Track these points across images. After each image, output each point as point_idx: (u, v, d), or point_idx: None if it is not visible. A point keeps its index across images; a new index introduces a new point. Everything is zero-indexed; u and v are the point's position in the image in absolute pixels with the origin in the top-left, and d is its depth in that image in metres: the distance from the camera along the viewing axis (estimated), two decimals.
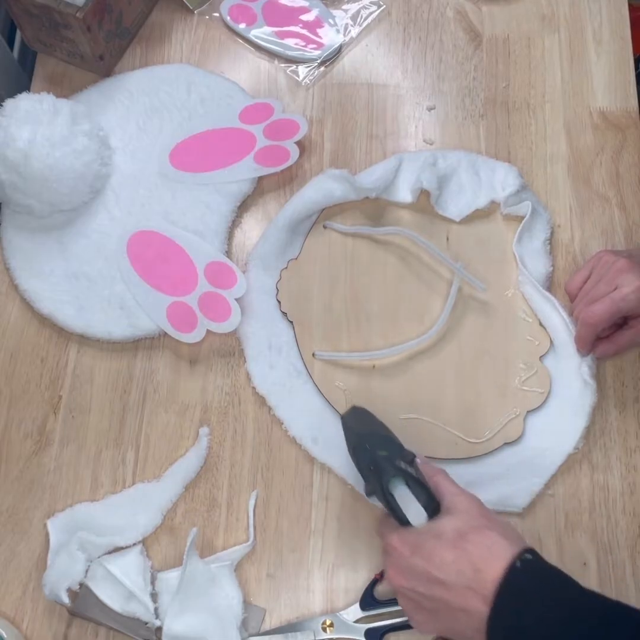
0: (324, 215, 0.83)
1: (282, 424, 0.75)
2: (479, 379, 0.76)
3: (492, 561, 0.55)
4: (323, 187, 0.81)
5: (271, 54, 0.92)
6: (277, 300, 0.79)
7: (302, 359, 0.77)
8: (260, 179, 0.85)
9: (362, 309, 0.79)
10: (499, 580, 0.54)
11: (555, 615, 0.52)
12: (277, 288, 0.80)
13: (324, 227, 0.82)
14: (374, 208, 0.83)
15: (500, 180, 0.83)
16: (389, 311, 0.79)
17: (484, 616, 0.54)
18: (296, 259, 0.81)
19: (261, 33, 0.92)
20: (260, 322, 0.78)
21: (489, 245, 0.82)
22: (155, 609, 0.67)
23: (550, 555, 0.70)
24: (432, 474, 0.63)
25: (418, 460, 0.64)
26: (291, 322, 0.79)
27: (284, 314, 0.79)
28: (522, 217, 0.81)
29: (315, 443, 0.74)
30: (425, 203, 0.82)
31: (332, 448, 0.74)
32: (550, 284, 0.80)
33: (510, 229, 0.82)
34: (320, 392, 0.76)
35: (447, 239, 0.82)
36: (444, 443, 0.74)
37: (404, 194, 0.83)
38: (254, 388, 0.76)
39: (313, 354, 0.77)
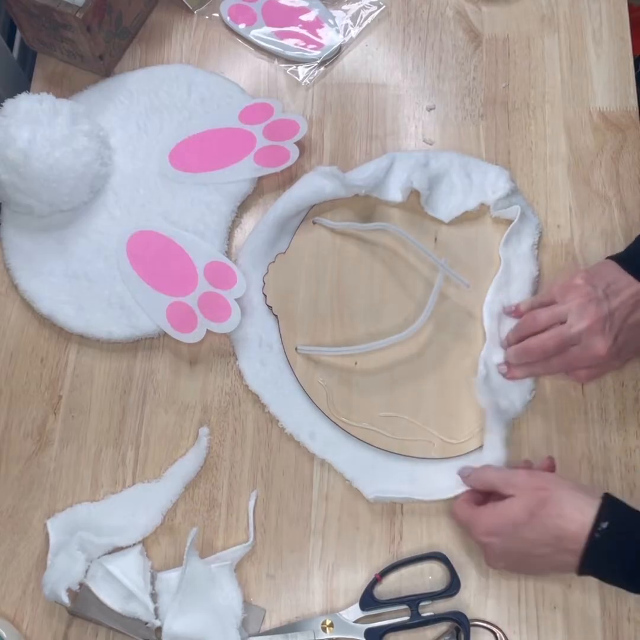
0: (314, 211, 0.83)
1: (278, 421, 0.75)
2: (460, 380, 0.76)
3: (568, 524, 0.62)
4: (313, 184, 0.81)
5: (271, 54, 0.92)
6: (263, 293, 0.79)
7: (285, 353, 0.77)
8: (260, 179, 0.85)
9: (346, 305, 0.79)
10: (584, 536, 0.61)
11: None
12: (263, 281, 0.80)
13: (314, 222, 0.83)
14: (364, 206, 0.83)
15: (491, 183, 0.83)
16: (374, 309, 0.79)
17: (579, 557, 0.62)
18: (284, 253, 0.81)
19: (261, 33, 0.92)
20: (251, 319, 0.78)
21: (477, 247, 0.82)
22: (155, 609, 0.67)
23: None
24: (483, 477, 0.69)
25: (464, 472, 0.71)
26: (276, 316, 0.79)
27: (270, 307, 0.79)
28: (511, 221, 0.81)
29: (313, 438, 0.74)
30: (415, 203, 0.82)
31: (330, 443, 0.74)
32: (537, 288, 0.79)
33: (498, 232, 0.82)
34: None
35: (436, 239, 0.82)
36: (422, 442, 0.74)
37: (394, 193, 0.83)
38: (246, 386, 0.76)
39: (296, 349, 0.77)
